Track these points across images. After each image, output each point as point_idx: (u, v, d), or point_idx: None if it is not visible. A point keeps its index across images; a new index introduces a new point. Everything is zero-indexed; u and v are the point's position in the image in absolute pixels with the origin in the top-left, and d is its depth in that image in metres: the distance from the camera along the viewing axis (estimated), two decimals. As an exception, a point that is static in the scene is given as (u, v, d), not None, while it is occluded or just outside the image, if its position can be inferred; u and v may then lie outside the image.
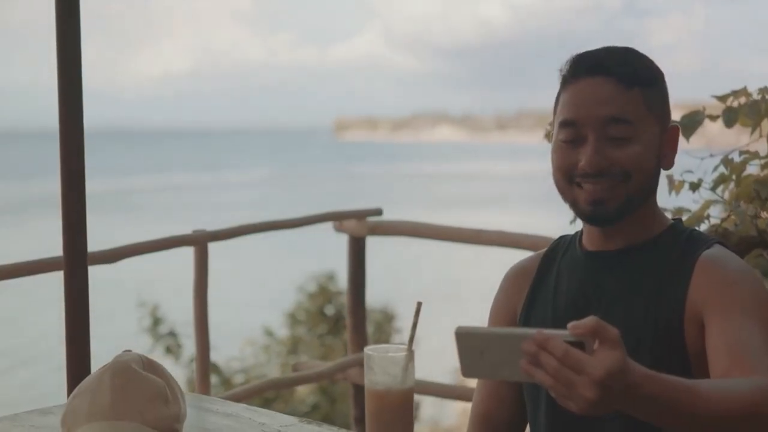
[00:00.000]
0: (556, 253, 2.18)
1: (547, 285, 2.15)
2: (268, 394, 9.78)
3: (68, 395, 2.03)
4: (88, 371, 2.53)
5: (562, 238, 2.22)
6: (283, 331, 11.71)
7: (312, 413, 9.77)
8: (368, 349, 1.93)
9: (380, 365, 1.91)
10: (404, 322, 11.43)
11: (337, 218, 5.03)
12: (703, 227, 2.99)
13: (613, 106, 1.97)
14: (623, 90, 1.97)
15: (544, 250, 2.22)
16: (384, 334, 11.67)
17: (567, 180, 2.02)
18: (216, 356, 10.09)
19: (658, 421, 1.60)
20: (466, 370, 1.60)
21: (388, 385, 1.90)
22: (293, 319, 11.64)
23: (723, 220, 3.00)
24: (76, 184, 2.52)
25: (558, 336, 1.50)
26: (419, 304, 1.96)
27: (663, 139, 2.03)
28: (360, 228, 4.99)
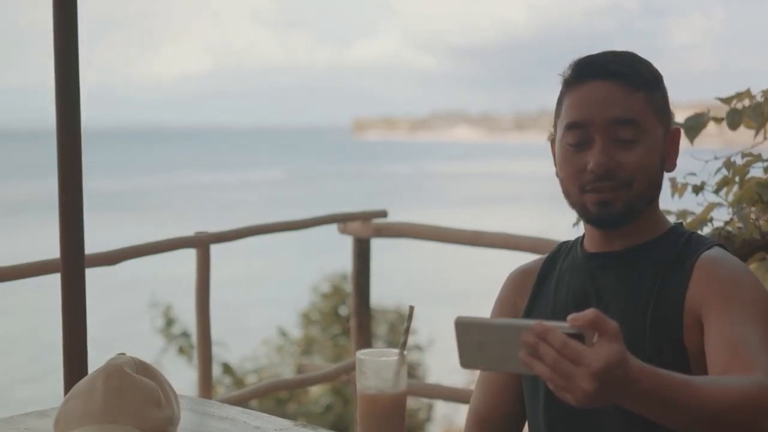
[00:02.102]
0: (558, 257, 2.21)
1: (548, 286, 2.17)
2: (281, 395, 9.79)
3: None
4: (85, 373, 2.53)
5: (564, 243, 2.24)
6: (297, 332, 11.69)
7: (325, 414, 9.76)
8: (360, 353, 1.92)
9: (372, 369, 1.90)
10: (418, 323, 11.41)
11: (342, 220, 5.02)
12: (707, 230, 2.97)
13: (620, 108, 1.99)
14: (629, 92, 2.00)
15: (547, 254, 2.25)
16: (398, 335, 11.63)
17: (577, 187, 2.04)
18: (230, 357, 10.12)
19: (655, 415, 1.60)
20: (465, 361, 1.60)
21: (380, 389, 1.90)
22: (307, 320, 11.62)
23: (726, 223, 2.98)
24: (73, 185, 2.52)
25: (558, 328, 1.51)
26: (411, 309, 1.95)
27: (666, 142, 2.06)
28: (365, 230, 4.99)
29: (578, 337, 1.51)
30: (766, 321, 1.86)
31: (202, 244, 4.39)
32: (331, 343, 10.98)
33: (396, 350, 1.91)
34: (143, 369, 1.98)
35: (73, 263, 2.54)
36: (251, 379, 10.31)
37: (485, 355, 1.57)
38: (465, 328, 1.58)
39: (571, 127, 2.03)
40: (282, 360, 11.22)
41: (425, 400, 10.61)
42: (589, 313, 1.51)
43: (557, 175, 2.10)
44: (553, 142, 2.13)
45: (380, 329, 11.02)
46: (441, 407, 11.82)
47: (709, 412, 1.61)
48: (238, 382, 9.85)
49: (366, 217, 5.03)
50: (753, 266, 2.91)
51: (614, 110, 1.99)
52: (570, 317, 1.52)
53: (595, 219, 2.05)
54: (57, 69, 2.51)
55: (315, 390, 10.07)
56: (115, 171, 65.32)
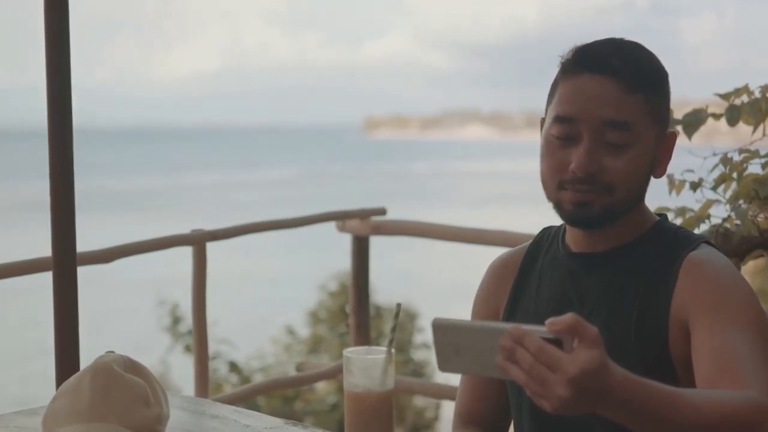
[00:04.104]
0: (540, 249, 2.12)
1: (529, 284, 2.09)
2: (288, 394, 9.78)
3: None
4: (76, 371, 2.52)
5: (546, 230, 2.14)
6: (305, 330, 11.67)
7: (331, 412, 9.76)
8: (347, 352, 1.91)
9: (359, 367, 1.89)
10: (425, 321, 11.39)
11: (340, 218, 5.01)
12: (704, 227, 2.95)
13: (614, 108, 1.87)
14: (626, 93, 1.87)
15: (528, 243, 2.15)
16: (406, 334, 11.61)
17: (555, 182, 1.93)
18: (237, 355, 10.11)
19: (636, 425, 1.55)
20: (442, 365, 1.56)
21: (367, 387, 1.88)
22: (315, 318, 11.60)
23: (724, 220, 2.96)
24: (64, 184, 2.52)
25: (535, 332, 1.46)
26: (398, 306, 1.93)
27: (659, 146, 1.95)
28: (363, 227, 4.97)
29: (556, 342, 1.46)
30: (755, 328, 1.78)
31: (198, 241, 4.38)
32: (338, 342, 10.96)
33: (384, 348, 1.90)
34: (132, 367, 1.97)
35: (64, 261, 2.53)
36: (258, 378, 10.30)
37: (462, 359, 1.53)
38: (442, 331, 1.53)
39: (560, 120, 1.91)
40: (290, 358, 11.21)
41: (433, 399, 10.58)
42: (568, 317, 1.45)
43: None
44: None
45: (387, 327, 11.00)
46: (448, 406, 11.81)
47: (696, 427, 1.55)
48: (245, 381, 9.84)
49: (364, 215, 5.01)
50: (751, 263, 2.89)
51: (607, 110, 1.86)
52: (548, 321, 1.46)
53: (570, 218, 1.96)
54: (48, 68, 2.51)
55: (321, 388, 10.07)
56: (122, 170, 65.45)
